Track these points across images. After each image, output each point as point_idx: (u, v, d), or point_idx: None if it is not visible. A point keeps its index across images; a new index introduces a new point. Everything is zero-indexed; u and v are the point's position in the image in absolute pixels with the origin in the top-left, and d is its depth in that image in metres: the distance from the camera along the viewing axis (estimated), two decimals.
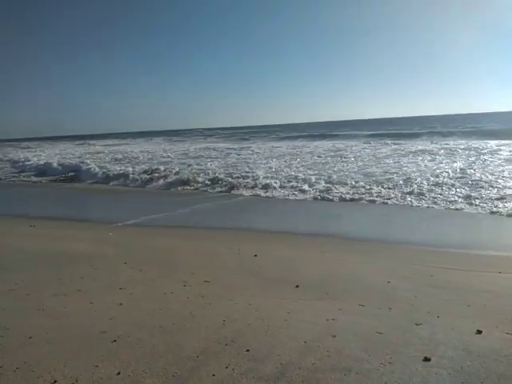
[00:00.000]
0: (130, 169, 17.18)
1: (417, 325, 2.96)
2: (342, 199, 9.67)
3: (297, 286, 3.94)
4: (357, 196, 9.75)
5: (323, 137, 37.00)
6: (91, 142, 53.54)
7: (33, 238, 6.60)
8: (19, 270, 4.52)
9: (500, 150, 17.88)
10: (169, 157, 23.87)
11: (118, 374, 2.32)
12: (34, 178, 18.51)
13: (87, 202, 12.09)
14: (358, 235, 6.51)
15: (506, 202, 8.14)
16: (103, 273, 4.44)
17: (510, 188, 9.51)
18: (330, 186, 10.99)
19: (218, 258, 5.13)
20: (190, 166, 18.06)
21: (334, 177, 12.42)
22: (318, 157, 19.54)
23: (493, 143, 20.82)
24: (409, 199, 9.07)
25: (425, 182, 10.64)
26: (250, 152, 24.45)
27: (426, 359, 2.42)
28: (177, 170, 15.72)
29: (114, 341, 2.71)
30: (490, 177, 10.90)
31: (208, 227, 7.58)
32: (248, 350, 2.56)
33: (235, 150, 26.70)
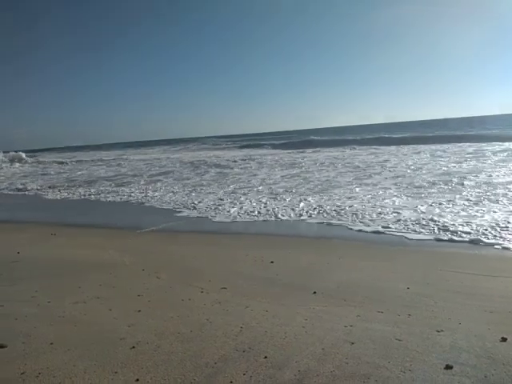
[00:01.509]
0: None
1: (438, 331, 2.90)
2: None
3: (314, 293, 3.91)
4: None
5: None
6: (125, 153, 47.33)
7: (53, 246, 6.75)
8: (40, 278, 4.63)
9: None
10: None
11: (137, 380, 2.35)
12: None
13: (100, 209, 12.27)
14: (374, 240, 6.43)
15: None
16: (121, 280, 4.51)
17: None
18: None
19: (235, 265, 5.14)
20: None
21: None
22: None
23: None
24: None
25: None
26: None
27: (448, 367, 2.36)
28: None
29: (133, 347, 2.74)
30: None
31: (224, 233, 7.60)
32: (266, 357, 2.55)
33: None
